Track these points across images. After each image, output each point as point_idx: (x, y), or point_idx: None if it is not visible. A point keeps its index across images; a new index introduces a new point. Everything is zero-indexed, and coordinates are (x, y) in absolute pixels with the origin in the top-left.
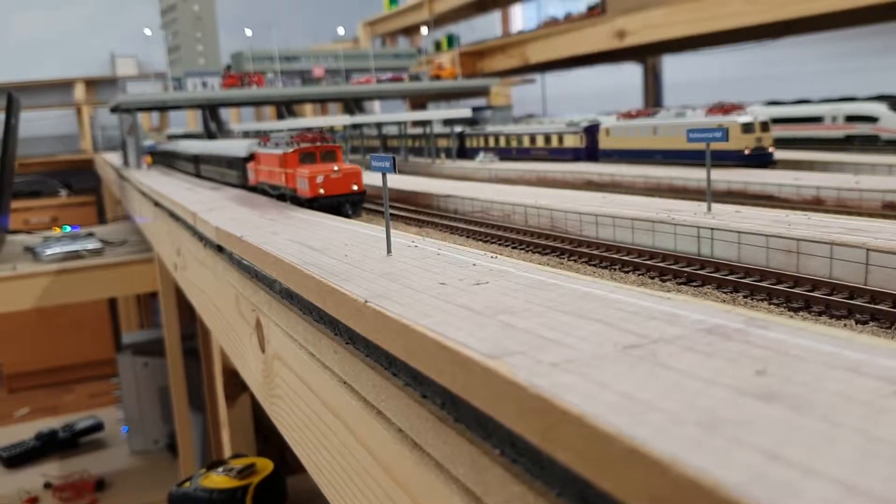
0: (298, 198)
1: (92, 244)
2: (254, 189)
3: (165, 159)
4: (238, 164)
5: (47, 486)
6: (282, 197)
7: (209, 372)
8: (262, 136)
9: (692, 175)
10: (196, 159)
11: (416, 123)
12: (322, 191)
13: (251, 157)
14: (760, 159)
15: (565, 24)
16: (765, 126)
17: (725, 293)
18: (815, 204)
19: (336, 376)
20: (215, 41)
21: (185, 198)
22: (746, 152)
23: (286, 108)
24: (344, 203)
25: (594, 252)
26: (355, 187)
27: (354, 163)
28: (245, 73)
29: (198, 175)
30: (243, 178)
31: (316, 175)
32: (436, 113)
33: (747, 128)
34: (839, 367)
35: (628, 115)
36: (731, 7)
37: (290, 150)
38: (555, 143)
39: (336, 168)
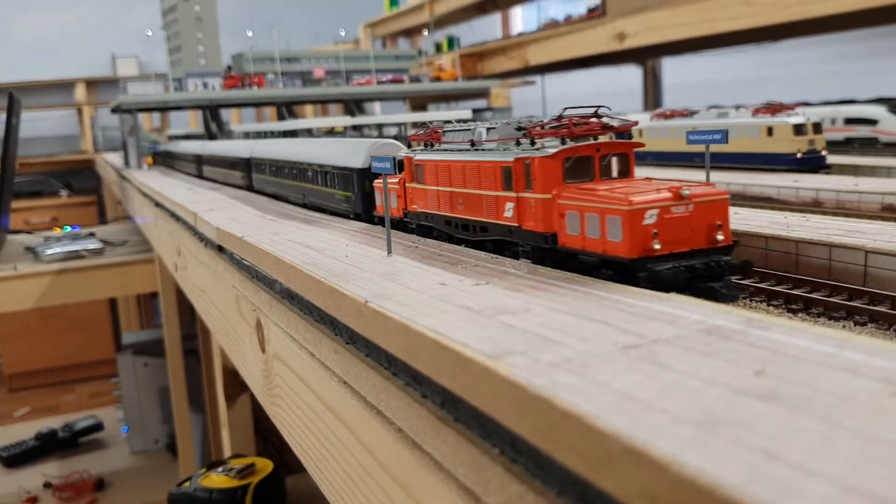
0: (569, 254)
1: (92, 244)
2: (398, 224)
3: (179, 163)
4: (350, 180)
5: (47, 485)
6: (497, 248)
7: (209, 372)
8: (416, 134)
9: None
10: (248, 166)
11: (416, 125)
12: (658, 245)
13: (374, 167)
14: (813, 163)
15: (565, 26)
16: (817, 127)
17: None
18: (814, 206)
19: (336, 376)
20: (216, 42)
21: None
22: (798, 156)
23: (287, 108)
24: (703, 271)
25: None
26: (720, 236)
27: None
28: (246, 74)
29: (248, 188)
30: (361, 204)
31: (643, 209)
32: (436, 114)
33: (799, 129)
34: (838, 368)
35: (663, 115)
36: (730, 10)
37: (546, 153)
38: None
39: (685, 192)
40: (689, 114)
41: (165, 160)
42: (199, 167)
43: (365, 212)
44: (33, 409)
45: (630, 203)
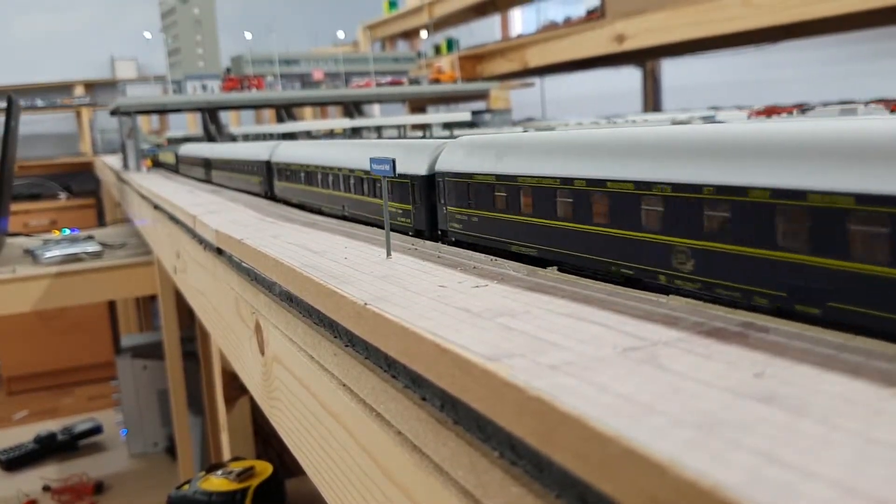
0: None
1: (91, 247)
2: None
3: (218, 172)
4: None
5: (46, 488)
6: None
7: (208, 375)
8: None
9: None
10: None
11: (415, 127)
12: None
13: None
14: None
15: (564, 28)
16: None
17: None
18: None
19: (335, 379)
20: (215, 44)
21: None
22: None
23: (286, 111)
24: None
25: None
26: None
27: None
28: (245, 76)
29: (432, 234)
30: None
31: None
32: (435, 116)
33: None
34: (837, 370)
35: (765, 112)
36: (730, 11)
37: None
38: None
39: None
40: (801, 109)
41: (211, 173)
42: (261, 183)
43: None
44: (32, 412)
45: None
